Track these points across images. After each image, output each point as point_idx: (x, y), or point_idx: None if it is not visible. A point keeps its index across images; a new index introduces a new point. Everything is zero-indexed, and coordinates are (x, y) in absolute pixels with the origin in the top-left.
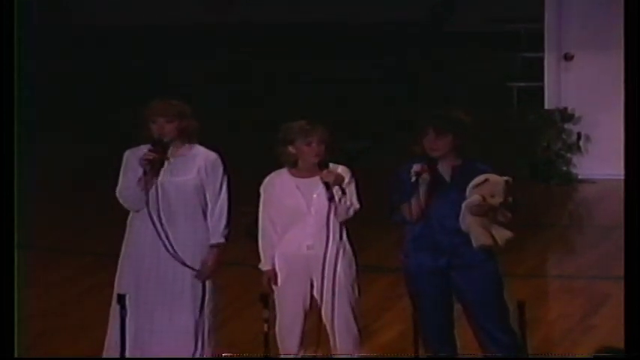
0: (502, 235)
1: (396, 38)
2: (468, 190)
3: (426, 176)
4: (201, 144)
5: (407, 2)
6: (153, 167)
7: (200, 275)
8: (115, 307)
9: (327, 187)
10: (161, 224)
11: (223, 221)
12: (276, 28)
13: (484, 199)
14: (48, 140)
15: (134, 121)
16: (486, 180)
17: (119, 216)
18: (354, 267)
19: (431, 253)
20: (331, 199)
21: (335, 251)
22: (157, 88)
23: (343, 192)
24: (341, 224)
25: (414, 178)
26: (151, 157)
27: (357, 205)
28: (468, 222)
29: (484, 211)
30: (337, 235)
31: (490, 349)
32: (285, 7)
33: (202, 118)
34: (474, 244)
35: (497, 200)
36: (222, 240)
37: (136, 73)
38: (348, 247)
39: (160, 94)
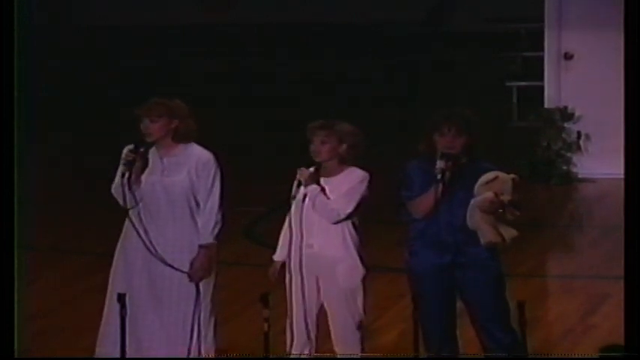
0: (509, 233)
1: (396, 38)
2: (476, 187)
3: (448, 173)
4: (204, 145)
5: (407, 2)
6: (135, 169)
7: (191, 277)
8: (109, 306)
9: (298, 184)
10: (141, 223)
11: (212, 221)
12: (277, 28)
13: (496, 195)
14: (48, 140)
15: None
16: (496, 177)
17: (119, 216)
18: (358, 270)
19: (436, 251)
20: (294, 197)
21: (334, 252)
22: (156, 88)
23: (323, 190)
24: (346, 225)
25: (439, 176)
26: (130, 158)
27: (342, 210)
28: (476, 219)
29: (496, 208)
30: (336, 236)
31: (491, 349)
32: (285, 7)
33: (203, 119)
34: (482, 241)
35: (506, 198)
36: (210, 240)
37: (136, 72)
38: (352, 249)
39: (160, 93)
